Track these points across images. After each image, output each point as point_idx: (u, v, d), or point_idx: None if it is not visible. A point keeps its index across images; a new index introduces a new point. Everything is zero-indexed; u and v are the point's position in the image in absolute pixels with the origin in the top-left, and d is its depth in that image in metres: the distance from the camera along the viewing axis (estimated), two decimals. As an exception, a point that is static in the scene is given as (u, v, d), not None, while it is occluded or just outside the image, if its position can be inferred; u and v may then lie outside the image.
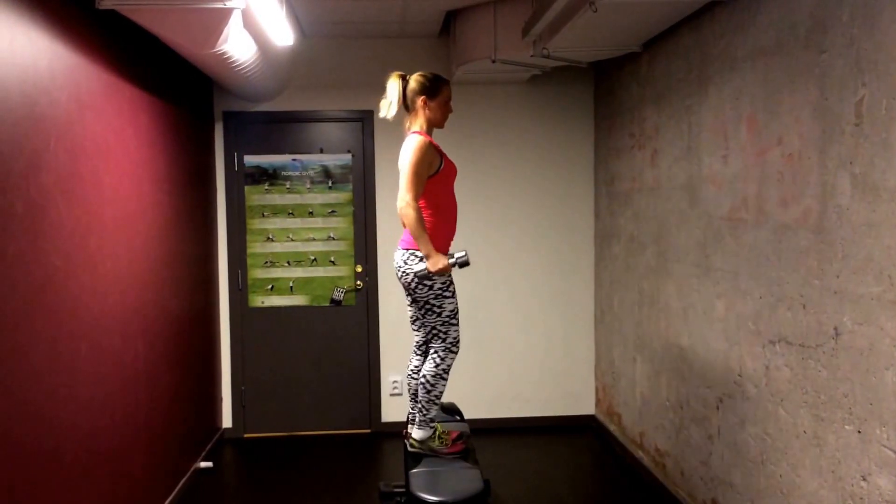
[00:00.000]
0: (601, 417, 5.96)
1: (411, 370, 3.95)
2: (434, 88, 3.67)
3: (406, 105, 3.72)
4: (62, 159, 3.07)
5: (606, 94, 5.70)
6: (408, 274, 3.61)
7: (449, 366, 3.69)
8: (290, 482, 5.03)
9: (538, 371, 6.11)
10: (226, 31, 3.62)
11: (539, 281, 6.08)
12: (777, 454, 3.27)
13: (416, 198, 3.49)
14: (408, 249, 3.62)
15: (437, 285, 3.59)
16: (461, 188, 5.86)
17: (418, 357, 3.94)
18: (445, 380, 3.69)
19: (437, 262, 3.49)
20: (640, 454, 5.07)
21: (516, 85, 5.97)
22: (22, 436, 2.70)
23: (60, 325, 3.02)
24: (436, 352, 3.68)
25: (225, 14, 3.43)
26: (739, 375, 3.61)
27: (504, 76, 5.61)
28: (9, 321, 2.61)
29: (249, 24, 3.99)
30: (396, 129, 5.84)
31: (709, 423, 3.98)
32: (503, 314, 6.07)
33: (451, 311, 3.65)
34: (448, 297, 3.63)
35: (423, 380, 3.69)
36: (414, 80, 3.68)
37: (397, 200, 3.53)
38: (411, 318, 3.93)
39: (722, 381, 3.81)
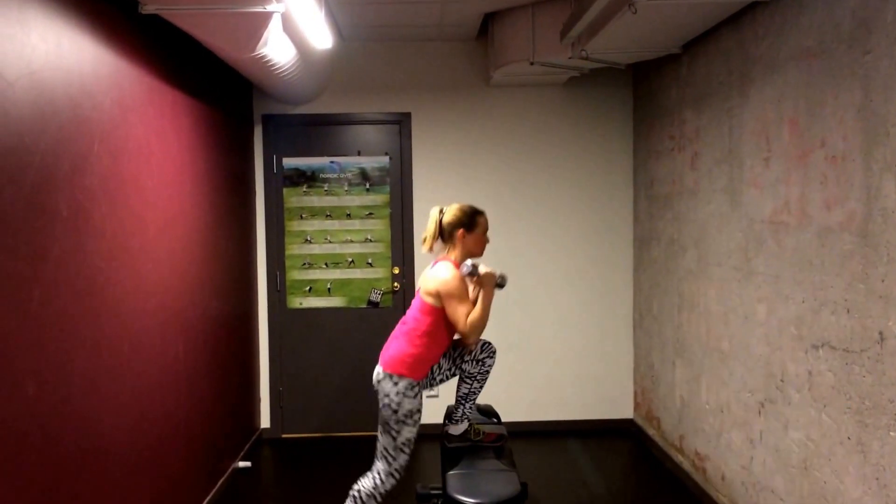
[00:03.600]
0: (640, 421, 5.91)
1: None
2: (471, 222, 3.71)
3: (442, 235, 3.74)
4: (105, 162, 3.11)
5: (645, 96, 5.66)
6: (388, 395, 3.64)
7: (386, 491, 3.69)
8: (327, 482, 5.06)
9: (576, 374, 6.08)
10: (265, 34, 3.66)
11: (578, 284, 6.05)
12: (820, 460, 3.22)
13: (468, 315, 3.55)
14: (385, 371, 3.68)
15: (404, 411, 3.61)
16: (499, 191, 5.89)
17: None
18: (379, 500, 3.69)
19: (487, 276, 3.62)
20: (679, 458, 5.02)
21: (554, 87, 5.95)
22: (66, 433, 2.74)
23: (103, 326, 3.07)
24: (378, 473, 3.69)
25: (265, 18, 3.46)
26: (781, 380, 3.56)
27: (542, 78, 5.60)
28: (54, 321, 2.66)
29: (289, 27, 4.02)
30: (434, 132, 5.89)
31: (750, 427, 3.93)
32: (541, 317, 6.04)
33: (407, 439, 3.67)
34: (409, 426, 3.66)
35: (355, 493, 3.68)
36: (450, 214, 3.72)
37: (462, 335, 3.59)
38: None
39: (763, 386, 3.76)
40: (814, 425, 3.27)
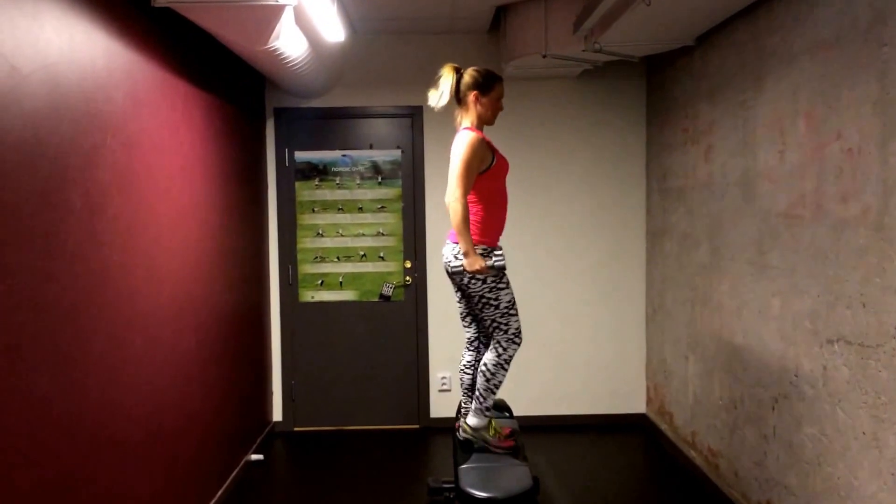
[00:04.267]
0: (652, 416, 5.90)
1: (463, 365, 3.95)
2: (487, 85, 3.67)
3: (458, 98, 3.70)
4: (118, 155, 3.12)
5: (659, 89, 5.63)
6: (458, 269, 3.60)
7: (511, 356, 3.69)
8: (339, 476, 5.07)
9: (588, 369, 6.06)
10: (278, 27, 3.65)
11: (589, 278, 6.03)
12: (835, 456, 3.20)
13: (465, 194, 3.49)
14: (458, 244, 3.60)
15: (490, 278, 3.57)
16: (510, 185, 5.86)
17: (470, 353, 3.94)
18: (506, 370, 3.70)
19: (475, 263, 3.48)
20: (692, 454, 5.00)
21: (567, 80, 5.92)
22: (81, 424, 2.75)
23: (117, 318, 3.07)
24: (498, 342, 3.67)
25: (277, 11, 3.46)
26: (796, 375, 3.54)
27: (555, 71, 5.58)
28: (68, 313, 2.67)
29: (301, 20, 4.02)
30: (446, 125, 5.85)
31: (764, 423, 3.91)
32: (553, 311, 6.03)
33: (509, 301, 3.63)
34: (503, 289, 3.61)
35: (483, 368, 3.69)
36: (468, 75, 3.69)
37: (446, 195, 3.53)
38: (461, 314, 3.92)
39: (777, 381, 3.74)
40: (828, 421, 3.25)
